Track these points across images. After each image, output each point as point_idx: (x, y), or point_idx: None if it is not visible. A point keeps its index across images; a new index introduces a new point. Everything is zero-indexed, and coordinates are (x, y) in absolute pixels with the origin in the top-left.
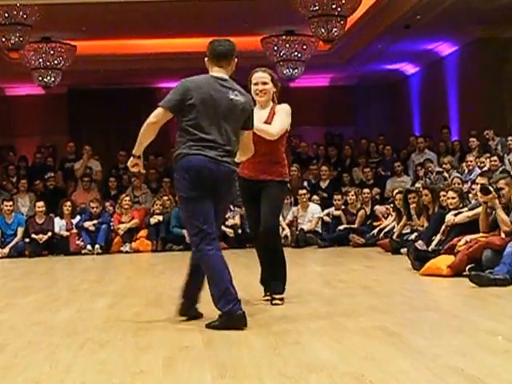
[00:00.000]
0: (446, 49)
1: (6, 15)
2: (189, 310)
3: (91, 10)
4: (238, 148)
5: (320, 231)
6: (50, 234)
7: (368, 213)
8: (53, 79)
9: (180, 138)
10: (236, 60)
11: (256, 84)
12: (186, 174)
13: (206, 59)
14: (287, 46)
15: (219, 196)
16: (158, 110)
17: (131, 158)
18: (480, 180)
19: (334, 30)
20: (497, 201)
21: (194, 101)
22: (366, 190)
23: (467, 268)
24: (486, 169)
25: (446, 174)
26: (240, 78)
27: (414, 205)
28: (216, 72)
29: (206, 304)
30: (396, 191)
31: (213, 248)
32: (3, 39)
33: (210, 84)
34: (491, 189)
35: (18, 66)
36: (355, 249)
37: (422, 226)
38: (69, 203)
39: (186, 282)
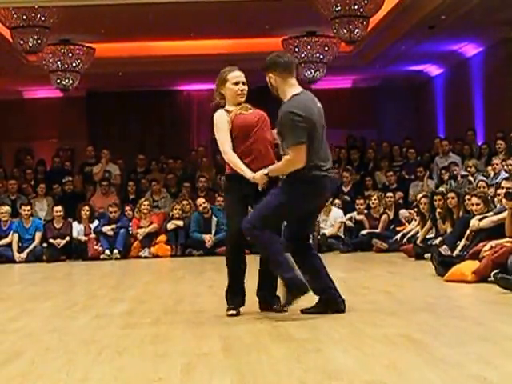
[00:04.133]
0: (470, 50)
1: (24, 17)
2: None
3: (110, 11)
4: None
5: (342, 236)
6: (67, 238)
7: (391, 217)
8: (71, 82)
9: None
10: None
11: (237, 83)
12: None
13: (270, 77)
14: (309, 47)
15: None
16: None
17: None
18: (505, 184)
19: (356, 30)
20: None
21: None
22: (389, 194)
23: (492, 274)
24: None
25: (470, 178)
26: (258, 80)
27: (440, 209)
28: (295, 87)
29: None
30: (420, 195)
31: None
32: (21, 42)
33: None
34: None
35: (35, 69)
36: (378, 254)
37: (446, 230)
38: (87, 207)
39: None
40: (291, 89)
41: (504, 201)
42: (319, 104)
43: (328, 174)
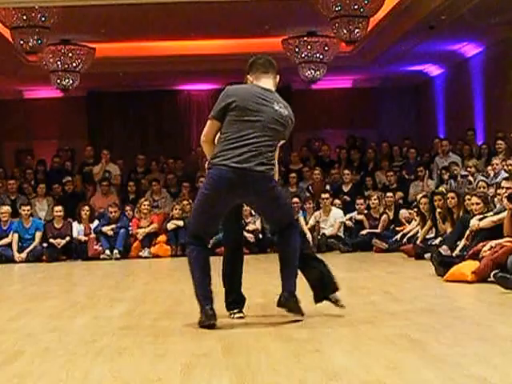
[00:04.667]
0: (471, 50)
1: (25, 18)
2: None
3: (110, 11)
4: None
5: (342, 236)
6: (67, 238)
7: (391, 217)
8: (71, 82)
9: None
10: (278, 78)
11: None
12: None
13: (247, 78)
14: (309, 47)
15: None
16: (207, 124)
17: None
18: (505, 184)
19: (357, 30)
20: None
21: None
22: (389, 194)
23: (492, 274)
24: (507, 172)
25: (470, 178)
26: None
27: (440, 209)
28: (261, 83)
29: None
30: (421, 195)
31: None
32: (21, 42)
33: (257, 91)
34: None
35: (36, 69)
36: (378, 254)
37: (446, 230)
38: (87, 207)
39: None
40: (260, 82)
41: (506, 202)
42: (280, 109)
43: (234, 165)
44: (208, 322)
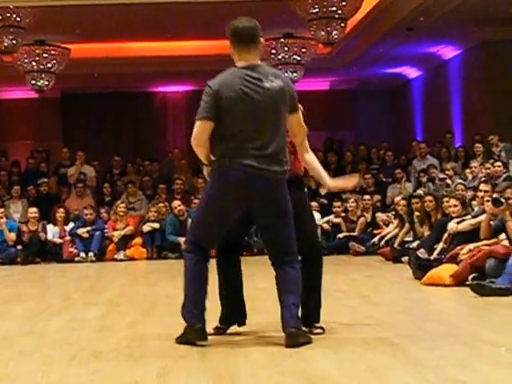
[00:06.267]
0: (449, 52)
1: (0, 17)
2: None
3: (85, 12)
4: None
5: (319, 239)
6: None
7: (368, 220)
8: (46, 83)
9: None
10: (263, 40)
11: None
12: None
13: (230, 47)
14: (286, 49)
15: None
16: (196, 125)
17: (205, 168)
18: (483, 187)
19: (334, 32)
20: (507, 212)
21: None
22: (367, 197)
23: (470, 277)
24: (483, 175)
25: (448, 181)
26: None
27: (418, 212)
28: (244, 60)
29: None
30: (398, 198)
31: None
32: None
33: (240, 77)
34: (503, 200)
35: (10, 70)
36: (355, 257)
37: (424, 234)
38: (62, 210)
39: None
40: (241, 61)
41: (490, 206)
42: (271, 83)
43: (245, 163)
44: (199, 341)
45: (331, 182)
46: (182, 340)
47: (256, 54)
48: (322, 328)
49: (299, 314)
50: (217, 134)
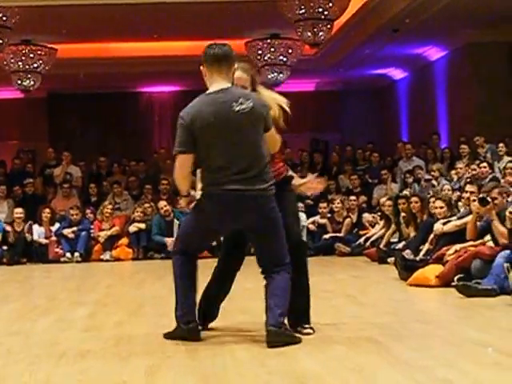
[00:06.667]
0: (435, 53)
1: None
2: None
3: (72, 12)
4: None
5: (305, 240)
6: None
7: (354, 221)
8: (32, 83)
9: None
10: (236, 67)
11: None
12: None
13: (202, 68)
14: (272, 49)
15: None
16: (177, 160)
17: (183, 198)
18: (469, 188)
19: (321, 33)
20: (494, 212)
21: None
22: (353, 198)
23: (456, 278)
24: (468, 175)
25: (434, 182)
26: None
27: (404, 213)
28: (215, 84)
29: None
30: (384, 198)
31: None
32: None
33: (211, 103)
34: (489, 200)
35: None
36: (341, 258)
37: (410, 235)
38: (48, 210)
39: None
40: (212, 86)
41: (476, 205)
42: (241, 106)
43: (229, 188)
44: (190, 337)
45: (297, 181)
46: (172, 336)
47: (228, 77)
48: (311, 328)
49: (284, 315)
50: (198, 165)
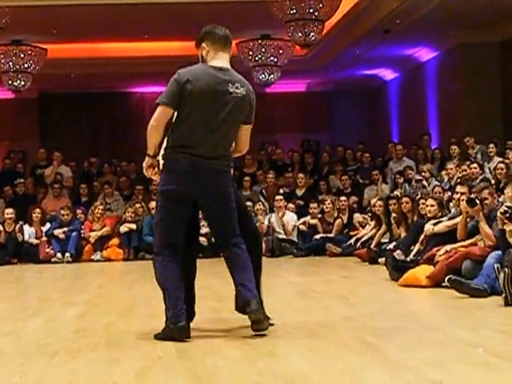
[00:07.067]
0: (425, 54)
1: None
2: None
3: (62, 12)
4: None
5: (296, 240)
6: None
7: (345, 222)
8: (23, 83)
9: None
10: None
11: None
12: None
13: (203, 47)
14: (263, 50)
15: None
16: (157, 110)
17: (146, 159)
18: (460, 189)
19: (312, 34)
20: (481, 213)
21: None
22: (343, 198)
23: (446, 279)
24: (458, 176)
25: (425, 182)
26: None
27: (395, 214)
28: (220, 61)
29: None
30: (375, 199)
31: None
32: None
33: (211, 74)
34: (477, 201)
35: None
36: (332, 258)
37: (401, 235)
38: (38, 210)
39: None
40: (216, 61)
41: (464, 205)
42: (236, 89)
43: (195, 153)
44: (182, 339)
45: None
46: (162, 337)
47: (227, 60)
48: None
49: (255, 289)
50: (171, 124)
